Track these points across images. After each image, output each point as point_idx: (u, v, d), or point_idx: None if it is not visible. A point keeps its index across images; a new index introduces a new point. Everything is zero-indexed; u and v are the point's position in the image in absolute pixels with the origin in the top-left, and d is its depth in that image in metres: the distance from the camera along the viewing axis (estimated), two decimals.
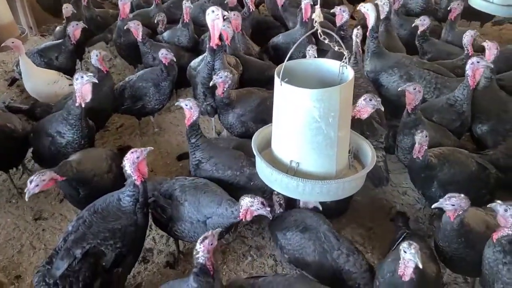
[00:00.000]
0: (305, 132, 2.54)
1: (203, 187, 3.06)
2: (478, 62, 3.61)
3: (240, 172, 3.29)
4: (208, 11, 3.64)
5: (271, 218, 2.90)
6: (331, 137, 2.51)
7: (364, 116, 3.33)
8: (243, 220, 2.80)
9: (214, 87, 3.78)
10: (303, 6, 4.77)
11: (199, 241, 2.38)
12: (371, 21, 4.19)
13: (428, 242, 3.06)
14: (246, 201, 2.73)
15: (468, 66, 3.65)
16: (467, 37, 4.27)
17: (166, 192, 3.13)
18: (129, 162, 2.77)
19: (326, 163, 2.59)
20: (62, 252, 2.65)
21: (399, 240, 2.81)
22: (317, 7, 2.72)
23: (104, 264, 2.71)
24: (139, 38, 4.75)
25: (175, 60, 4.32)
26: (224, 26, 4.14)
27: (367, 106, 3.28)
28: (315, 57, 4.01)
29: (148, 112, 4.47)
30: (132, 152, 2.79)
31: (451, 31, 4.99)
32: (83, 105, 3.46)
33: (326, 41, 2.68)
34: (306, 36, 3.02)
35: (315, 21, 2.70)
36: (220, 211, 2.88)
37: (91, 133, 3.67)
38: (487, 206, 2.54)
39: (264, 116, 3.64)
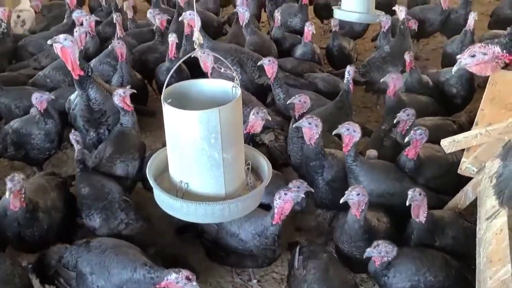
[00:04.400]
0: (190, 153, 2.51)
1: (112, 252, 2.70)
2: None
3: None
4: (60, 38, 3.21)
5: None
6: (216, 159, 2.49)
7: (258, 129, 3.41)
8: None
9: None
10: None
11: None
12: None
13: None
14: (172, 277, 2.40)
15: (348, 74, 4.00)
16: None
17: (69, 263, 2.78)
18: None
19: (214, 184, 2.56)
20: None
21: (297, 256, 2.85)
22: (196, 30, 2.74)
23: None
24: None
25: (53, 98, 3.74)
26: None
27: (257, 119, 3.36)
28: None
29: (34, 161, 3.94)
30: None
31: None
32: None
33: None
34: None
35: (196, 44, 2.72)
36: (136, 277, 2.53)
37: None
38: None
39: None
